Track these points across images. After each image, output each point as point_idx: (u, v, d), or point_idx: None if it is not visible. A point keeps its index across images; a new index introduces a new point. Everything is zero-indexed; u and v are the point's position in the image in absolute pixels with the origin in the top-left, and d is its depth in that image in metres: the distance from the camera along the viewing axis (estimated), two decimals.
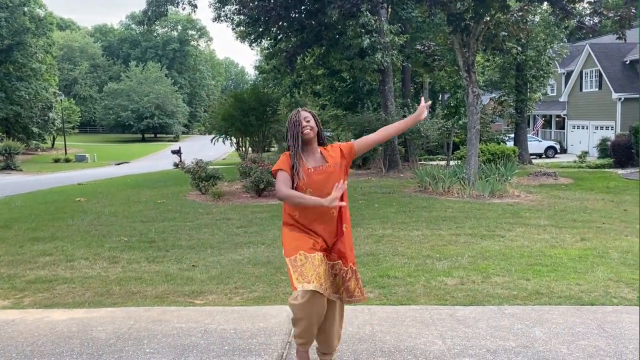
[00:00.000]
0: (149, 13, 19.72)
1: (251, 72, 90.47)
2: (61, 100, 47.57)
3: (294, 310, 3.17)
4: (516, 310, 4.50)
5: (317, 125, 3.41)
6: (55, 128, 47.08)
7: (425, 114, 3.58)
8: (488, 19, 11.87)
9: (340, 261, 3.37)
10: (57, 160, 40.08)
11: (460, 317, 4.34)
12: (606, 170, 18.92)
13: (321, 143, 3.46)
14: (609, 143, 22.30)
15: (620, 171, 17.80)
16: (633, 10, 11.20)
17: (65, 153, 43.69)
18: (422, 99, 3.70)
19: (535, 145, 31.00)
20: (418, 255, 6.40)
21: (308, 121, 3.37)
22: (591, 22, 12.77)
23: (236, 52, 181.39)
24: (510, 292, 4.97)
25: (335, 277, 3.36)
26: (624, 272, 5.57)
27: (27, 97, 41.78)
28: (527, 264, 5.93)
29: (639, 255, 6.18)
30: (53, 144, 53.62)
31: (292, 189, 3.28)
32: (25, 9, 41.83)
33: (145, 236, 7.95)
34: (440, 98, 32.89)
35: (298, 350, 3.38)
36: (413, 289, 5.12)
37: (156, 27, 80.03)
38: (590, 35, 29.53)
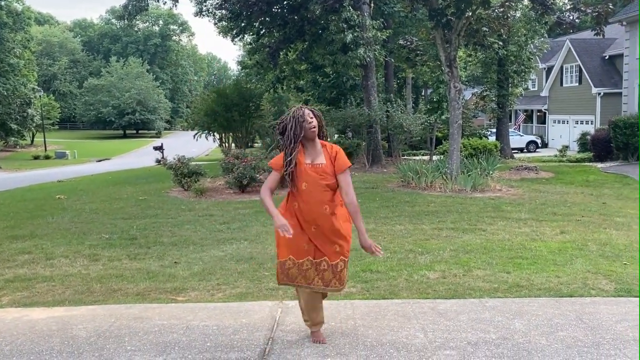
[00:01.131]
0: (129, 7, 19.47)
1: (234, 68, 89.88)
2: (40, 96, 46.77)
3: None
4: (497, 302, 4.55)
5: (320, 122, 3.51)
6: (34, 124, 46.27)
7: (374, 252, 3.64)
8: (469, 14, 11.94)
9: (325, 258, 3.57)
10: (36, 157, 39.47)
11: (441, 310, 4.37)
12: (586, 164, 19.20)
13: (322, 138, 3.57)
14: (588, 137, 22.60)
15: (599, 165, 18.06)
16: (611, 7, 11.35)
17: (45, 150, 43.04)
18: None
19: (517, 139, 31.32)
20: (400, 249, 6.43)
21: (312, 118, 3.47)
22: (570, 18, 12.92)
23: (219, 47, 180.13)
24: (491, 285, 5.02)
25: (324, 272, 3.57)
26: (602, 264, 5.67)
27: (5, 94, 40.98)
28: (507, 257, 5.99)
29: None
30: (32, 141, 52.75)
31: (290, 181, 3.51)
32: (2, 2, 40.99)
33: (127, 233, 7.87)
34: (423, 93, 33.07)
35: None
36: (395, 283, 5.15)
37: (137, 22, 79.14)
38: (571, 31, 29.89)
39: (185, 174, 12.53)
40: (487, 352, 3.59)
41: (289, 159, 3.46)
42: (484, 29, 12.32)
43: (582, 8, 11.81)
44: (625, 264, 5.67)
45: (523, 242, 6.71)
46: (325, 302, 4.66)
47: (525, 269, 5.51)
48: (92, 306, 4.74)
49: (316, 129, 3.46)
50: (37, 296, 5.08)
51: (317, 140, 3.53)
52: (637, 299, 4.60)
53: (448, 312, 4.35)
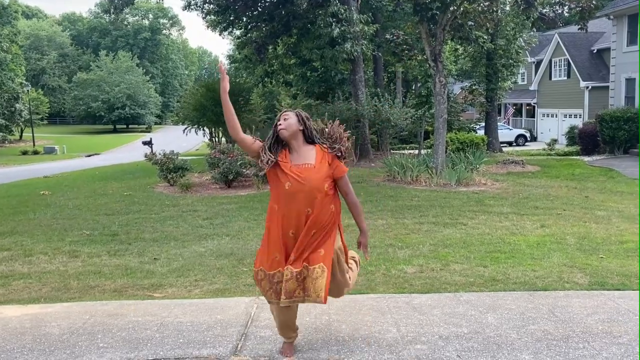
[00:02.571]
0: (116, 1, 19.29)
1: (225, 62, 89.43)
2: (28, 90, 46.36)
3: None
4: (471, 297, 4.58)
5: (302, 125, 3.42)
6: (22, 119, 45.92)
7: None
8: (454, 8, 11.94)
9: (305, 264, 3.33)
10: (25, 153, 39.16)
11: (416, 305, 4.40)
12: (573, 157, 19.31)
13: (310, 142, 3.46)
14: (576, 131, 22.74)
15: (586, 158, 18.18)
16: (594, 2, 11.38)
17: (34, 145, 42.70)
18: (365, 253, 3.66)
19: (506, 133, 31.45)
20: (381, 244, 6.45)
21: (285, 119, 3.41)
22: (554, 12, 12.94)
23: (209, 41, 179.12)
24: (467, 279, 5.05)
25: (305, 280, 3.31)
26: (578, 257, 5.72)
27: None
28: (486, 251, 6.03)
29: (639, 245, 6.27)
30: (21, 136, 52.35)
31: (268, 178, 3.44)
32: None
33: (108, 229, 7.84)
34: (413, 87, 33.07)
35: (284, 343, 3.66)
36: (373, 278, 5.17)
37: (126, 16, 78.59)
38: (560, 24, 29.95)
39: (171, 169, 12.48)
40: (457, 346, 3.61)
41: (263, 156, 3.39)
42: (470, 23, 12.33)
43: (566, 3, 11.84)
44: (601, 257, 5.73)
45: (503, 236, 6.76)
46: None
47: (503, 263, 5.55)
48: (67, 303, 4.73)
49: (286, 130, 3.37)
50: (12, 293, 5.05)
51: (300, 142, 3.44)
52: (610, 292, 4.66)
53: (422, 306, 4.38)
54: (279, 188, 3.36)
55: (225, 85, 3.45)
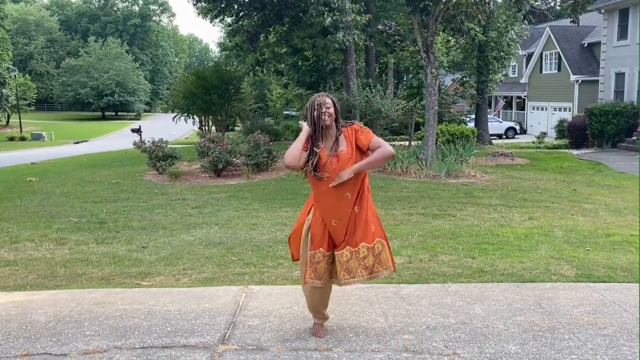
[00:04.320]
0: None
1: (215, 49, 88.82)
2: (15, 76, 45.66)
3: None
4: (459, 288, 4.61)
5: (335, 113, 3.42)
6: (9, 105, 45.23)
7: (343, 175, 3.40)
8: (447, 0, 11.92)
9: (347, 247, 3.43)
10: (11, 139, 38.65)
11: (404, 295, 4.41)
12: (562, 150, 19.44)
13: (338, 128, 3.46)
14: (565, 124, 22.88)
15: (575, 152, 18.31)
16: None
17: (21, 131, 42.13)
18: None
19: (496, 126, 31.56)
20: None
21: (328, 107, 3.39)
22: (546, 5, 12.94)
23: (200, 29, 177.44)
24: (455, 270, 5.08)
25: (349, 262, 3.42)
26: (565, 249, 5.77)
27: None
28: (474, 242, 6.06)
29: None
30: (8, 122, 51.61)
31: (312, 171, 3.39)
32: None
33: (96, 217, 7.78)
34: (405, 78, 33.05)
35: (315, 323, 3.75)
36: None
37: (116, 2, 77.60)
38: (552, 18, 29.97)
39: (160, 157, 12.40)
40: (444, 337, 3.63)
41: (312, 148, 3.37)
42: (462, 15, 12.30)
43: None
44: (588, 249, 5.78)
45: (491, 227, 6.79)
46: (290, 287, 4.71)
47: (491, 254, 5.58)
48: (54, 291, 4.69)
49: (329, 118, 3.36)
50: None
51: (333, 131, 3.43)
52: (596, 284, 4.70)
53: (410, 297, 4.39)
54: (318, 179, 3.39)
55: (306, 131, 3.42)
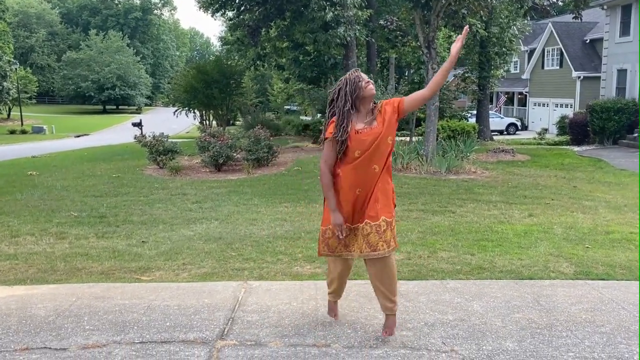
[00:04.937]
0: None
1: (217, 44, 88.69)
2: (16, 69, 45.64)
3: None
4: (458, 284, 4.61)
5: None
6: (10, 98, 45.21)
7: (459, 44, 3.43)
8: None
9: (359, 221, 3.47)
10: (12, 132, 38.66)
11: (402, 292, 4.41)
12: (563, 147, 19.43)
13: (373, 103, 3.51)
14: (567, 121, 22.85)
15: (576, 148, 18.29)
16: None
17: (22, 124, 42.18)
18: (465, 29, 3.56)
19: (497, 122, 31.54)
20: None
21: (368, 80, 3.42)
22: (548, 0, 12.89)
23: (201, 23, 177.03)
24: (454, 266, 5.09)
25: (358, 236, 3.46)
26: (565, 247, 5.77)
27: None
28: (474, 239, 6.07)
29: None
30: (9, 115, 51.61)
31: (340, 150, 3.40)
32: None
33: (96, 211, 7.79)
34: (406, 74, 32.95)
35: (328, 301, 3.88)
36: (361, 264, 5.13)
37: None
38: (554, 13, 29.81)
39: (160, 151, 12.41)
40: (442, 333, 3.65)
41: (342, 124, 3.36)
42: (463, 10, 12.27)
43: None
44: (587, 247, 5.78)
45: (490, 224, 6.80)
46: (289, 283, 4.72)
47: (490, 251, 5.59)
48: (54, 285, 4.70)
49: (373, 87, 3.39)
50: None
51: (370, 105, 3.45)
52: (594, 281, 4.71)
53: (409, 293, 4.40)
54: (347, 156, 3.41)
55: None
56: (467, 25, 3.62)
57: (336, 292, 3.84)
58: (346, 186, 3.45)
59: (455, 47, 3.44)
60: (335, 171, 3.50)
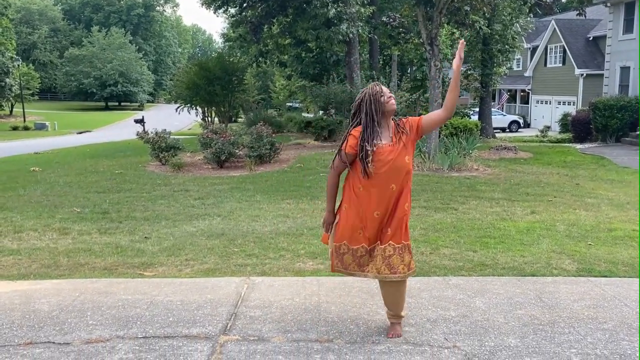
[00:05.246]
0: None
1: (219, 40, 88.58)
2: (19, 65, 45.70)
3: None
4: (460, 281, 4.62)
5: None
6: (12, 94, 45.30)
7: (459, 60, 3.40)
8: None
9: (378, 241, 3.41)
10: (15, 128, 38.76)
11: None
12: (565, 144, 19.39)
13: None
14: (569, 118, 22.80)
15: (578, 146, 18.26)
16: None
17: (24, 121, 42.27)
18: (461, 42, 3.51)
19: (500, 119, 31.49)
20: None
21: (390, 93, 3.36)
22: None
23: (203, 19, 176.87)
24: (457, 263, 5.09)
25: (376, 257, 3.40)
26: (567, 244, 5.77)
27: None
28: (476, 236, 6.07)
29: None
30: (11, 111, 51.72)
31: (364, 164, 3.29)
32: None
33: (99, 207, 7.81)
34: (409, 71, 32.91)
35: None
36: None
37: None
38: (557, 10, 29.75)
39: (162, 148, 12.42)
40: (444, 329, 3.65)
41: (367, 140, 3.28)
42: (466, 7, 12.24)
43: None
44: (590, 244, 5.78)
45: (493, 221, 6.80)
46: (291, 279, 4.73)
47: (492, 248, 5.59)
48: (57, 280, 4.72)
49: (394, 105, 3.34)
50: (2, 270, 5.03)
51: (391, 120, 3.39)
52: (597, 278, 4.71)
53: (411, 289, 4.40)
54: (369, 172, 3.29)
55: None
56: (463, 40, 3.54)
57: (393, 312, 3.63)
58: (365, 203, 3.37)
59: (456, 63, 3.40)
60: (353, 184, 3.42)
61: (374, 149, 3.28)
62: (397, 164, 3.31)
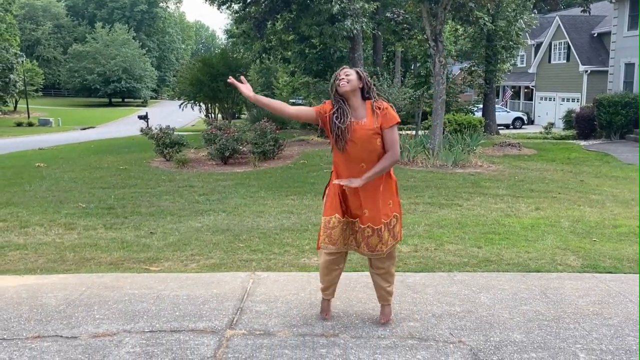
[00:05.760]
0: None
1: (222, 37, 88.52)
2: (23, 61, 45.77)
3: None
4: (465, 276, 4.63)
5: (361, 81, 3.46)
6: (17, 90, 45.37)
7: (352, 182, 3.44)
8: None
9: (357, 220, 3.54)
10: (19, 124, 38.83)
11: (410, 283, 4.44)
12: (569, 141, 19.35)
13: (367, 98, 3.50)
14: (574, 115, 22.73)
15: (582, 143, 18.21)
16: None
17: (28, 117, 42.34)
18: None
19: (503, 116, 31.40)
20: None
21: (347, 75, 3.45)
22: None
23: (207, 15, 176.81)
24: (462, 259, 5.10)
25: (357, 234, 3.54)
26: (572, 240, 5.77)
27: None
28: (481, 232, 6.07)
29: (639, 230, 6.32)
30: (15, 107, 51.83)
31: (336, 137, 3.42)
32: None
33: (104, 202, 7.85)
34: (412, 67, 32.85)
35: (322, 299, 3.81)
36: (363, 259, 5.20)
37: None
38: (562, 7, 29.63)
39: (167, 144, 12.45)
40: (450, 324, 3.66)
41: (336, 116, 3.43)
42: (470, 3, 12.21)
43: None
44: (594, 240, 5.78)
45: (497, 217, 6.80)
46: (296, 274, 4.74)
47: (497, 244, 5.59)
48: (63, 275, 4.75)
49: (346, 84, 3.40)
50: (9, 264, 5.07)
51: (359, 99, 3.47)
52: (601, 274, 4.71)
53: (416, 285, 4.42)
54: (342, 145, 3.46)
55: (246, 92, 3.50)
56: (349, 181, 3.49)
57: (324, 285, 3.75)
58: (335, 176, 3.56)
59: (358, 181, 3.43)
60: (334, 159, 3.59)
61: (343, 126, 3.41)
62: (364, 143, 3.41)
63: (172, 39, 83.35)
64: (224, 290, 4.28)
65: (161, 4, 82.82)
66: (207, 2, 22.80)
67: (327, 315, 3.76)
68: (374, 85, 3.64)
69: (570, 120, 24.01)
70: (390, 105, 3.57)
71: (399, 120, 3.51)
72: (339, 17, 16.41)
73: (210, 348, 3.32)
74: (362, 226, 3.51)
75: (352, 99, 3.47)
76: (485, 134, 19.17)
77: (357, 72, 3.49)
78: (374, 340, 3.42)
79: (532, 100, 35.68)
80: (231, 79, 3.62)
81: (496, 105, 27.71)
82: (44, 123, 39.84)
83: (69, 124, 40.44)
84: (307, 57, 22.72)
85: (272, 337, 3.47)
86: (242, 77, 3.62)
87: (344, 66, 3.58)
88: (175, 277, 4.61)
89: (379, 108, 3.47)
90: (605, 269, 4.83)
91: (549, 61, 32.36)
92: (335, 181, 3.48)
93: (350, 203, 3.55)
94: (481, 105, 26.24)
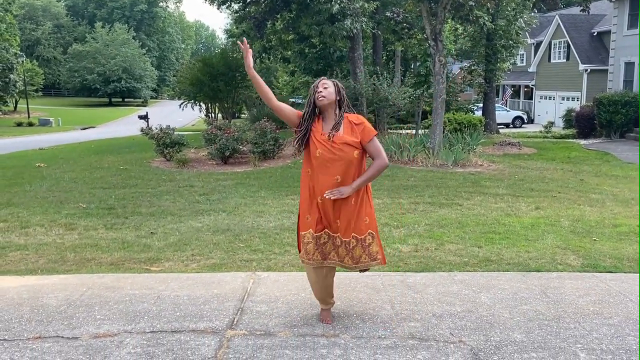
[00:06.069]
0: None
1: (222, 36, 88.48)
2: (22, 61, 45.75)
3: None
4: (465, 276, 4.63)
5: (337, 95, 3.49)
6: (16, 90, 45.34)
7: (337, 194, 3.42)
8: None
9: (338, 234, 3.52)
10: (19, 124, 38.80)
11: (410, 283, 4.45)
12: (569, 140, 19.34)
13: (342, 110, 3.52)
14: (573, 114, 22.72)
15: (582, 142, 18.21)
16: None
17: (29, 117, 42.32)
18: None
19: (503, 115, 31.39)
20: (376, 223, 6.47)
21: (325, 88, 3.48)
22: None
23: (207, 15, 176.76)
24: (462, 259, 5.10)
25: (339, 248, 3.53)
26: (572, 239, 5.77)
27: None
28: (481, 231, 6.08)
29: None
30: (16, 107, 51.81)
31: (303, 145, 3.50)
32: None
33: (105, 203, 7.85)
34: (412, 66, 32.84)
35: (321, 309, 3.79)
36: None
37: None
38: (561, 6, 29.61)
39: (167, 144, 12.45)
40: (450, 324, 3.67)
41: (304, 125, 3.48)
42: (470, 2, 12.20)
43: None
44: (594, 239, 5.79)
45: (498, 217, 6.80)
46: (297, 274, 4.75)
47: (497, 243, 5.60)
48: (64, 275, 4.76)
49: (324, 98, 3.43)
50: (9, 265, 5.07)
51: (334, 111, 3.49)
52: (602, 274, 4.72)
53: (417, 285, 4.42)
54: (310, 154, 3.49)
55: (249, 61, 3.53)
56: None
57: (327, 302, 3.75)
58: (311, 190, 3.51)
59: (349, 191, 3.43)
60: (304, 169, 3.56)
61: (315, 133, 3.45)
62: (342, 155, 3.40)
63: (172, 38, 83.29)
64: (225, 291, 4.28)
65: (161, 4, 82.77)
66: (207, 2, 22.78)
67: (327, 321, 3.72)
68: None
69: (570, 119, 24.00)
70: (366, 119, 3.60)
71: (376, 132, 3.55)
72: (339, 17, 16.40)
73: (211, 348, 3.33)
74: (345, 239, 3.49)
75: (329, 110, 3.50)
76: (485, 133, 19.17)
77: (335, 85, 3.52)
78: (374, 341, 3.43)
79: (532, 99, 35.66)
80: (245, 42, 3.61)
81: (496, 104, 27.70)
82: (44, 123, 39.82)
83: (69, 123, 40.42)
84: (307, 57, 22.72)
85: (273, 338, 3.47)
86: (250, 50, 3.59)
87: (322, 77, 3.60)
88: (176, 278, 4.62)
89: (356, 123, 3.49)
90: (606, 269, 4.83)
91: (549, 60, 32.35)
92: (327, 193, 3.40)
93: (329, 217, 3.50)
94: (481, 104, 26.23)
